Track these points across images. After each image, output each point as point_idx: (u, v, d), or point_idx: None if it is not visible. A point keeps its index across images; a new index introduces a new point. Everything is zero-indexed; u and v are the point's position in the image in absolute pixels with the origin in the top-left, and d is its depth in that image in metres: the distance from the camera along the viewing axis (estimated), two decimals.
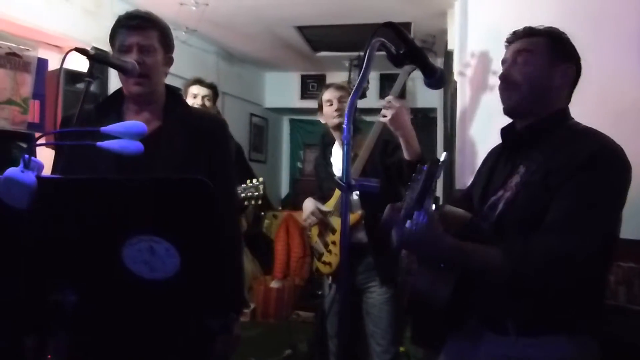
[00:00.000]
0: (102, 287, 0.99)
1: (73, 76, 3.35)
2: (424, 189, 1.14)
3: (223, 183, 1.75)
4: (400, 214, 1.28)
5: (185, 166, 1.65)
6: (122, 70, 1.65)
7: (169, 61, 1.79)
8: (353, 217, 2.41)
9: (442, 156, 1.19)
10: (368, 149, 2.41)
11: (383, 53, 1.27)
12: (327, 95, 2.69)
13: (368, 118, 4.67)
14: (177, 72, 3.83)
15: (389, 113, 2.03)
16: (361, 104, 2.49)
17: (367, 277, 2.46)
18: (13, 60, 2.05)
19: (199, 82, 3.15)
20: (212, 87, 3.18)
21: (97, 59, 1.55)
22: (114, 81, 1.79)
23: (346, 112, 1.12)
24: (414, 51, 1.25)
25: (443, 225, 1.21)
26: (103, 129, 0.96)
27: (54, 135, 1.61)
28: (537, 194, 1.24)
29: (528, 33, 1.40)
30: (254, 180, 2.89)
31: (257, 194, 2.84)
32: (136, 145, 0.94)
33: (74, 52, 1.52)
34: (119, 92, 1.78)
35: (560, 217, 1.19)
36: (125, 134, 0.93)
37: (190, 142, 1.70)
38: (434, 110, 6.04)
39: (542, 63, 1.36)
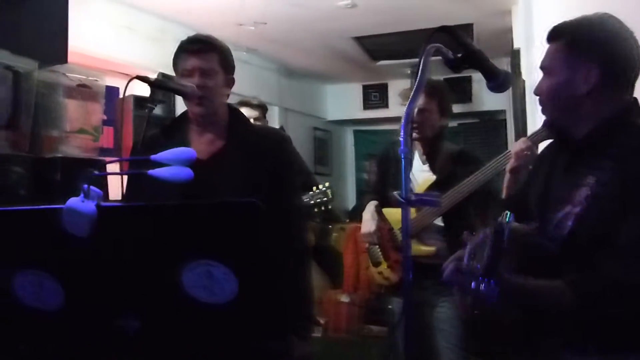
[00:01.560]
0: (164, 312, 1.00)
1: (142, 101, 3.52)
2: (493, 258, 1.04)
3: (289, 199, 1.77)
4: (463, 265, 1.16)
5: (249, 184, 1.67)
6: (182, 95, 1.70)
7: (230, 82, 1.82)
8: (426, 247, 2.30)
9: (506, 217, 1.11)
10: (471, 187, 2.22)
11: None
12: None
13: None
14: (240, 91, 3.91)
15: (520, 161, 1.94)
16: None
17: (437, 292, 2.36)
18: (83, 91, 2.16)
19: (245, 104, 3.18)
20: (259, 107, 3.21)
21: (156, 85, 1.60)
22: (181, 104, 1.85)
23: (402, 123, 1.08)
24: (472, 54, 1.19)
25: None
26: (153, 157, 0.98)
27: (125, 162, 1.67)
28: (612, 208, 1.12)
29: (550, 36, 1.30)
30: (320, 186, 2.88)
31: (325, 199, 2.83)
32: (186, 173, 0.95)
33: (136, 80, 1.59)
34: (184, 114, 1.84)
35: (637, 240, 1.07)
36: (174, 161, 0.94)
37: (253, 159, 1.72)
38: (501, 112, 5.83)
39: (560, 76, 1.25)
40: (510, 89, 3.93)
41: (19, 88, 2.07)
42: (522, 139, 2.03)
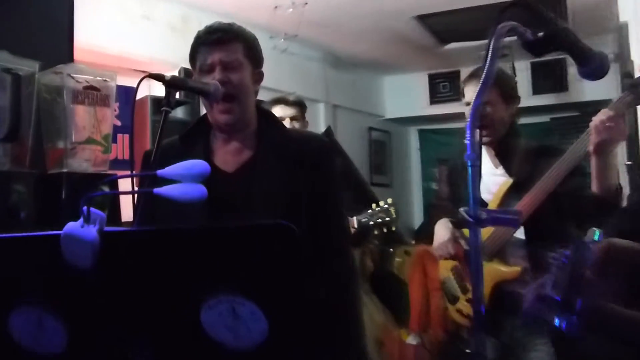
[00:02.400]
0: (179, 357, 1.02)
1: (159, 102, 3.65)
2: (572, 287, 1.04)
3: (333, 220, 1.80)
4: (545, 293, 1.16)
5: (284, 202, 1.70)
6: (204, 94, 1.73)
7: (258, 77, 1.86)
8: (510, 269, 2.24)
9: (594, 234, 1.07)
10: (552, 181, 2.13)
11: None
12: (468, 91, 2.58)
13: (523, 120, 4.47)
14: (278, 86, 3.94)
15: (603, 135, 1.90)
16: None
17: (530, 332, 2.30)
18: (91, 94, 2.25)
19: (279, 102, 3.22)
20: (297, 105, 3.23)
21: (172, 84, 1.64)
22: None
23: (468, 121, 1.06)
24: (557, 33, 1.16)
25: (607, 262, 1.09)
26: (160, 172, 1.00)
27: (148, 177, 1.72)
28: None
29: None
30: (381, 203, 2.88)
31: (388, 218, 2.83)
32: (198, 191, 0.96)
33: (149, 79, 1.65)
34: (202, 119, 1.89)
35: None
36: (184, 177, 0.96)
37: (289, 171, 1.74)
38: (606, 103, 5.65)
39: None
40: (618, 73, 3.81)
41: (19, 94, 2.17)
42: (602, 110, 1.97)
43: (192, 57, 1.82)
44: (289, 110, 3.20)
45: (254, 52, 1.83)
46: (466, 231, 2.44)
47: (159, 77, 1.62)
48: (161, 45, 4.30)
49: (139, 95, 3.66)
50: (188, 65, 1.88)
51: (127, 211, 2.07)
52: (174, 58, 4.19)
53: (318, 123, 5.58)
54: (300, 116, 3.24)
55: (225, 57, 1.74)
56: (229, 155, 1.80)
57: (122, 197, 2.30)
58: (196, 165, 0.98)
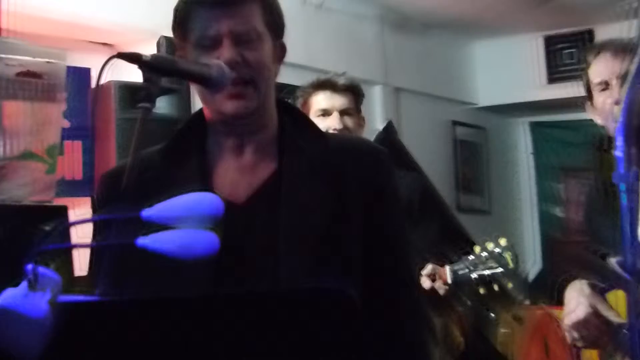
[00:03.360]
0: None
1: (132, 93, 3.66)
2: None
3: (397, 267, 1.84)
4: None
5: (327, 246, 1.72)
6: (203, 82, 1.75)
7: (280, 53, 1.89)
8: None
9: None
10: None
11: None
12: (599, 67, 2.61)
13: None
14: (312, 62, 3.96)
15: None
16: None
17: None
18: (29, 84, 2.29)
19: (324, 86, 3.25)
20: (351, 91, 3.26)
21: (155, 68, 1.66)
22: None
23: (621, 115, 1.06)
24: None
25: None
26: (145, 214, 1.01)
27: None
28: None
29: None
30: (489, 245, 2.88)
31: (501, 270, 2.82)
32: (208, 243, 0.97)
33: (118, 59, 1.67)
34: (198, 117, 1.91)
35: None
36: (185, 221, 0.96)
37: (330, 194, 1.77)
38: None
39: None
40: None
41: None
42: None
43: (182, 24, 1.83)
44: (337, 99, 3.24)
45: (275, 16, 1.86)
46: (617, 296, 2.46)
47: (133, 58, 1.62)
48: (132, 4, 4.36)
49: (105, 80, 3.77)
50: (171, 34, 1.90)
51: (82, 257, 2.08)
52: (151, 23, 4.24)
53: (372, 116, 5.59)
54: (354, 109, 3.26)
55: (236, 25, 1.76)
56: (238, 175, 1.81)
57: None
58: (202, 200, 0.99)
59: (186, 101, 4.01)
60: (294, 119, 1.91)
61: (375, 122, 5.31)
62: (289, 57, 1.92)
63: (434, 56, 6.67)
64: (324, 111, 3.22)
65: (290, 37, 1.91)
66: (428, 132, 6.54)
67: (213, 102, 1.81)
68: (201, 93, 1.83)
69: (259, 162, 1.83)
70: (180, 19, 1.83)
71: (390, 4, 5.93)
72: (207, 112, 1.87)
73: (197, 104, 3.92)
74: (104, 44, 4.34)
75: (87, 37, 4.31)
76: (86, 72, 3.75)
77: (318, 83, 3.27)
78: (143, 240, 1.01)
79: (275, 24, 1.86)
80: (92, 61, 3.94)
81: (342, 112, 3.19)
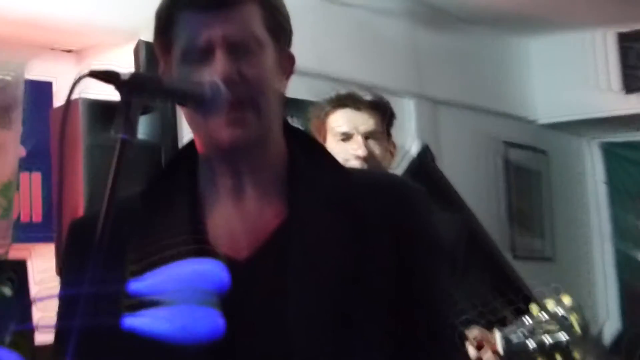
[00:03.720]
0: None
1: (106, 112, 3.64)
2: None
3: (432, 325, 1.85)
4: None
5: (345, 304, 1.73)
6: (194, 103, 1.76)
7: (288, 65, 1.91)
8: None
9: None
10: None
11: None
12: None
13: None
14: (329, 70, 3.99)
15: None
16: None
17: None
18: None
19: (345, 103, 3.27)
20: (378, 108, 3.29)
21: (138, 88, 1.68)
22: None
23: None
24: None
25: None
26: (133, 287, 1.02)
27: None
28: None
29: None
30: (550, 305, 2.89)
31: (567, 337, 2.84)
32: (211, 324, 0.98)
33: (92, 78, 1.68)
34: (188, 151, 1.92)
35: None
36: (182, 296, 0.98)
37: (352, 247, 1.77)
38: None
39: None
40: None
41: None
42: None
43: (165, 31, 1.85)
44: (361, 120, 3.27)
45: (280, 18, 1.87)
46: None
47: (108, 77, 1.64)
48: (106, 1, 4.38)
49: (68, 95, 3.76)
50: (151, 37, 1.91)
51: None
52: (126, 23, 4.26)
53: (403, 137, 5.55)
54: (382, 132, 3.29)
55: (231, 31, 1.77)
56: (239, 223, 1.82)
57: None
58: (204, 269, 0.99)
59: (169, 122, 3.99)
60: (306, 148, 1.92)
61: (406, 145, 5.32)
62: (297, 62, 1.93)
63: (479, 59, 6.68)
64: (345, 135, 3.25)
65: (298, 38, 1.93)
66: (473, 156, 6.58)
67: (205, 130, 1.82)
68: (190, 118, 1.83)
69: (264, 206, 1.83)
70: (163, 26, 1.85)
71: None
72: (198, 143, 1.88)
73: (184, 125, 3.97)
74: (68, 51, 4.34)
75: (47, 42, 4.31)
76: (47, 86, 3.76)
77: (336, 99, 3.29)
78: (132, 321, 1.02)
79: (280, 29, 1.87)
80: (52, 71, 3.94)
81: (367, 136, 3.22)
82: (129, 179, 1.82)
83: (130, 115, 1.64)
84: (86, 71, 1.64)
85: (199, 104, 1.75)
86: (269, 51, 1.83)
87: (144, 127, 3.95)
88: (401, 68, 5.91)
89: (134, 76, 1.65)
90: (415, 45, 6.00)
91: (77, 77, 1.64)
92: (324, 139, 3.27)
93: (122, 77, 1.64)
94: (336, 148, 3.15)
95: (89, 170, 3.61)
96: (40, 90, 3.62)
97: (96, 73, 1.65)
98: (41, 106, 3.65)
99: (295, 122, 3.26)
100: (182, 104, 1.81)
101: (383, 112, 3.29)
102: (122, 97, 1.66)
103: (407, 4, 5.93)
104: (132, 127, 1.63)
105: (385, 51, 5.65)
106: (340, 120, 3.22)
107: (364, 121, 3.24)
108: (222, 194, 1.86)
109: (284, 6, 1.90)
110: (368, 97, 3.27)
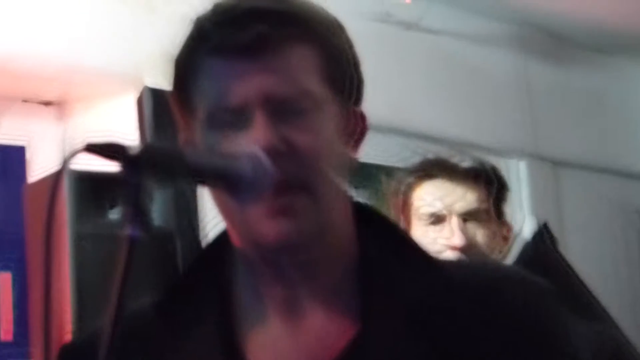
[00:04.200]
0: None
1: (97, 188, 3.68)
2: None
3: None
4: None
5: None
6: (232, 189, 1.74)
7: (358, 127, 1.88)
8: None
9: None
10: None
11: None
12: None
13: None
14: (403, 123, 4.10)
15: None
16: None
17: None
18: None
19: (439, 171, 3.30)
20: (484, 177, 3.29)
21: (153, 167, 1.66)
22: None
23: None
24: None
25: None
26: None
27: None
28: None
29: None
30: None
31: None
32: None
33: (89, 153, 1.66)
34: (219, 246, 1.91)
35: None
36: None
37: None
38: None
39: None
40: None
41: None
42: None
43: (185, 82, 1.84)
44: (458, 195, 3.29)
45: (343, 64, 1.85)
46: None
47: (112, 151, 1.63)
48: (107, 43, 4.43)
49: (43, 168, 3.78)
50: (157, 82, 1.89)
51: None
52: (123, 65, 4.30)
53: (510, 209, 5.57)
54: (486, 210, 3.28)
55: (275, 84, 1.76)
56: (290, 346, 1.82)
57: None
58: None
59: (186, 201, 4.00)
60: (383, 237, 1.89)
61: (516, 223, 5.32)
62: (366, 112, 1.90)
63: (613, 102, 6.71)
64: (436, 217, 3.26)
65: (366, 79, 1.90)
66: (606, 232, 6.62)
67: (241, 220, 1.80)
68: (221, 203, 1.82)
69: (326, 323, 1.81)
70: (183, 77, 1.84)
71: (537, 19, 5.99)
72: (234, 237, 1.85)
73: (206, 205, 3.99)
74: (46, 103, 4.37)
75: (18, 92, 4.35)
76: (18, 152, 3.78)
77: (422, 166, 3.32)
78: None
79: (345, 78, 1.84)
80: (26, 131, 3.99)
81: (466, 217, 3.23)
82: (130, 279, 1.79)
83: (140, 202, 1.62)
84: (81, 145, 1.62)
85: (235, 185, 1.72)
86: (329, 110, 1.80)
87: (154, 209, 3.96)
88: (508, 118, 5.94)
89: (146, 150, 1.63)
90: (527, 85, 6.02)
91: (70, 154, 1.61)
92: (408, 222, 3.28)
93: (131, 152, 1.60)
94: (424, 235, 3.18)
95: (77, 270, 3.58)
96: (9, 157, 3.62)
97: (94, 147, 1.62)
98: (10, 178, 3.66)
99: (361, 196, 3.27)
100: (212, 186, 1.79)
101: (488, 183, 3.28)
102: (130, 178, 1.63)
103: (515, 28, 5.96)
104: (143, 219, 1.60)
105: (486, 95, 5.66)
106: (428, 197, 3.26)
107: (461, 197, 3.26)
108: (269, 308, 1.84)
109: (351, 46, 1.88)
110: (466, 162, 3.27)
